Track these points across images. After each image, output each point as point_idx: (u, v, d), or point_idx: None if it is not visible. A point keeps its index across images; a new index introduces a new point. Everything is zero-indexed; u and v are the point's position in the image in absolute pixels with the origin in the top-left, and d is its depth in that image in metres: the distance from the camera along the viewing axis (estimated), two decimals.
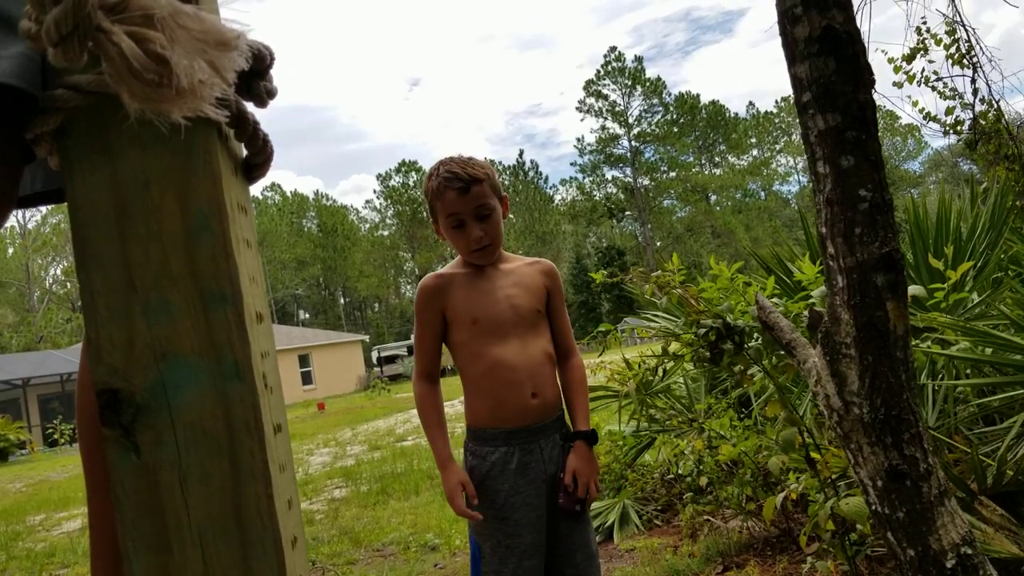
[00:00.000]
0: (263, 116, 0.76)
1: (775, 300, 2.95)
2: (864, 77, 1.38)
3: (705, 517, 4.46)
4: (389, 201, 76.67)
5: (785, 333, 1.66)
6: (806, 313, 1.83)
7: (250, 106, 0.73)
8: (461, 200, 2.20)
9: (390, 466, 9.59)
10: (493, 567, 2.22)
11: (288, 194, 78.06)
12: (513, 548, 2.20)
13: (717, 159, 77.00)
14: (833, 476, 2.83)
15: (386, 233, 77.80)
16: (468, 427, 2.32)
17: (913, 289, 2.68)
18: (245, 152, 0.75)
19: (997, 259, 3.84)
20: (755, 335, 2.85)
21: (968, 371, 3.09)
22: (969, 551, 1.33)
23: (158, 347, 0.63)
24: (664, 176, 73.21)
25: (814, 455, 2.64)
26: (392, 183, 76.26)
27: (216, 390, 0.63)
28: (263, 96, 0.75)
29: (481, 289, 2.28)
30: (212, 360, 0.63)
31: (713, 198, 75.30)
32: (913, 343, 2.85)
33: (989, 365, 2.86)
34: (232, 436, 0.63)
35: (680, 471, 4.90)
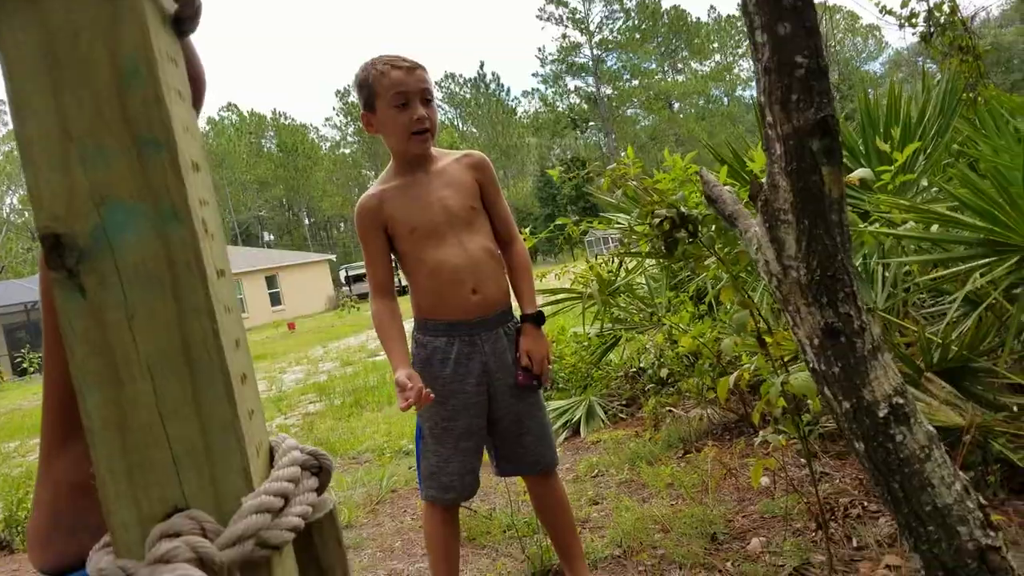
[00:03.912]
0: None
1: (732, 192, 2.99)
2: None
3: (667, 408, 4.60)
4: (349, 118, 75.17)
5: (727, 205, 1.71)
6: None
7: None
8: (409, 78, 2.23)
9: (363, 380, 9.70)
10: (432, 446, 2.36)
11: (245, 114, 76.13)
12: (450, 431, 2.33)
13: (680, 66, 76.10)
14: (785, 357, 2.92)
15: (348, 151, 76.54)
16: (414, 319, 2.42)
17: (861, 172, 2.74)
18: (175, 6, 0.75)
19: (947, 146, 3.90)
20: (709, 224, 2.89)
21: (915, 248, 3.17)
22: (900, 400, 1.41)
23: (97, 193, 0.65)
24: (627, 84, 72.36)
25: (766, 337, 2.72)
26: (352, 99, 74.65)
27: (156, 233, 0.66)
28: None
29: (414, 198, 2.33)
30: (150, 204, 0.65)
31: (676, 106, 74.73)
32: (861, 226, 2.93)
33: (934, 243, 2.94)
34: (175, 277, 0.66)
35: (642, 365, 5.03)
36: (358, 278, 43.41)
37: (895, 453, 1.39)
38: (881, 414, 1.40)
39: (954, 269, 2.87)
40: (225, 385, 0.68)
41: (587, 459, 4.15)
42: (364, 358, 12.42)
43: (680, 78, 75.05)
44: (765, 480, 3.25)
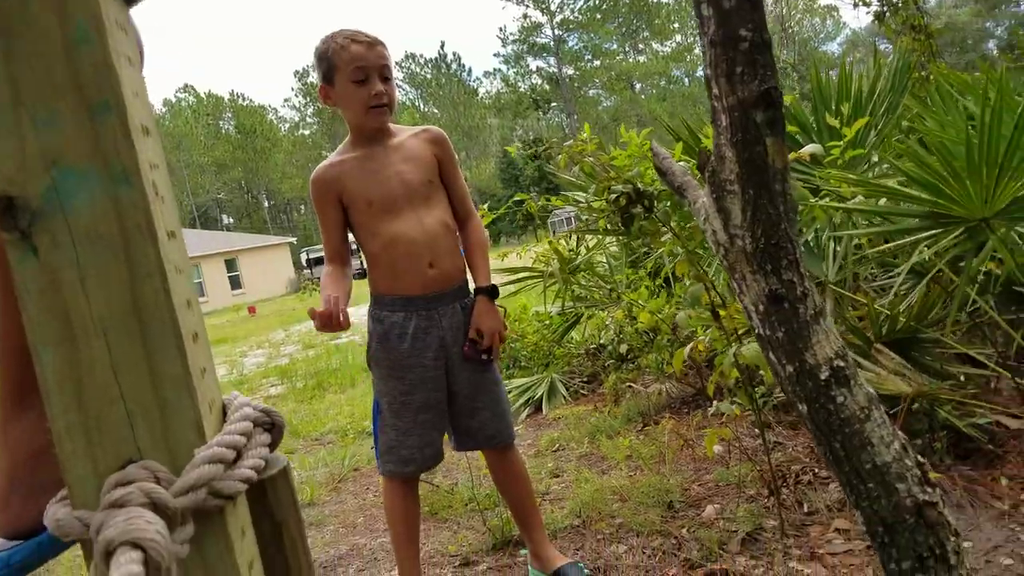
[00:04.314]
0: None
1: (683, 165, 3.04)
2: None
3: (627, 384, 4.67)
4: (308, 99, 74.26)
5: (677, 177, 1.75)
6: None
7: None
8: (369, 53, 2.25)
9: (325, 362, 9.68)
10: (390, 421, 2.37)
11: (202, 95, 74.85)
12: (408, 404, 2.35)
13: (641, 46, 76.18)
14: (739, 330, 2.99)
15: (307, 132, 75.67)
16: (371, 294, 2.43)
17: (811, 147, 2.80)
18: None
19: (897, 122, 3.98)
20: (664, 200, 2.94)
21: (866, 223, 3.25)
22: (841, 363, 1.46)
23: (48, 156, 0.67)
24: (588, 65, 72.31)
25: (720, 310, 2.78)
26: (311, 80, 73.70)
27: (107, 195, 0.67)
28: None
29: (372, 170, 2.34)
30: (101, 166, 0.67)
31: (638, 86, 74.89)
32: (812, 200, 2.99)
33: (882, 217, 3.02)
34: (126, 238, 0.68)
35: (602, 342, 5.09)
36: (319, 260, 43.08)
37: (836, 414, 1.44)
38: (823, 376, 1.45)
39: (901, 241, 2.95)
40: (177, 343, 0.70)
41: (548, 434, 4.21)
42: (326, 341, 12.37)
43: (641, 59, 75.19)
44: (719, 448, 3.33)
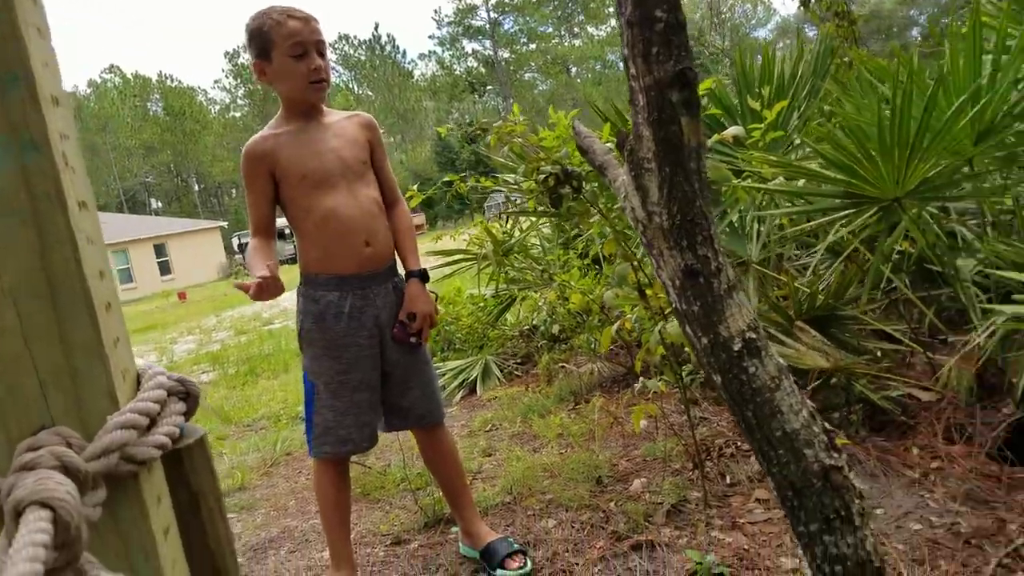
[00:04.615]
0: None
1: (609, 146, 3.09)
2: None
3: (560, 364, 4.73)
4: (239, 80, 72.67)
5: (598, 155, 1.78)
6: None
7: None
8: (306, 28, 2.24)
9: (258, 348, 9.55)
10: (327, 402, 2.36)
11: (129, 76, 72.59)
12: (345, 384, 2.34)
13: (576, 30, 76.37)
14: (665, 308, 3.06)
15: (238, 115, 74.07)
16: (302, 274, 2.40)
17: (734, 129, 2.86)
18: None
19: (819, 107, 4.10)
20: (593, 180, 2.99)
21: (789, 204, 3.35)
22: (753, 335, 1.52)
23: None
24: (524, 48, 72.24)
25: (647, 289, 2.84)
26: (242, 60, 72.12)
27: (16, 164, 0.68)
28: None
29: (306, 144, 2.32)
30: (10, 135, 0.67)
31: (574, 70, 75.12)
32: (735, 181, 3.07)
33: (802, 198, 3.12)
34: (35, 207, 0.68)
35: (535, 323, 5.15)
36: None
37: (748, 384, 1.50)
38: (736, 348, 1.51)
39: (819, 221, 3.05)
40: (88, 312, 0.70)
41: (482, 415, 4.25)
42: (259, 326, 12.21)
43: (577, 42, 75.36)
44: (645, 424, 3.41)
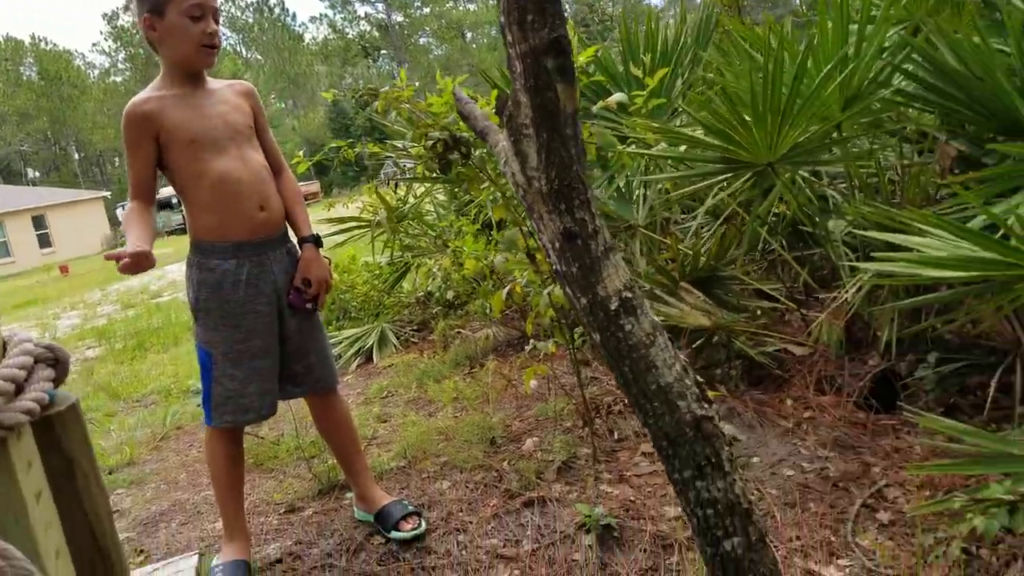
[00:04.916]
0: None
1: (487, 111, 3.12)
2: None
3: (456, 330, 4.77)
4: (120, 43, 69.19)
5: (478, 121, 1.81)
6: None
7: None
8: None
9: (146, 322, 9.25)
10: (226, 371, 2.32)
11: (0, 39, 68.10)
12: (244, 352, 2.31)
13: None
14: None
15: (119, 79, 70.56)
16: (193, 243, 2.33)
17: (617, 96, 2.94)
18: None
19: (703, 77, 4.22)
20: (481, 146, 3.01)
21: (674, 169, 3.46)
22: (629, 295, 1.59)
23: None
24: (418, 12, 71.23)
25: (536, 253, 2.90)
26: (121, 22, 68.63)
27: None
28: None
29: (193, 107, 2.27)
30: None
31: (469, 35, 74.56)
32: (619, 148, 3.15)
33: (684, 163, 3.23)
34: None
35: (430, 290, 5.17)
36: None
37: (625, 341, 1.57)
38: (613, 307, 1.57)
39: (699, 185, 3.17)
40: None
41: (378, 383, 4.26)
42: (147, 299, 11.81)
43: (472, 7, 74.77)
44: (535, 384, 3.49)
